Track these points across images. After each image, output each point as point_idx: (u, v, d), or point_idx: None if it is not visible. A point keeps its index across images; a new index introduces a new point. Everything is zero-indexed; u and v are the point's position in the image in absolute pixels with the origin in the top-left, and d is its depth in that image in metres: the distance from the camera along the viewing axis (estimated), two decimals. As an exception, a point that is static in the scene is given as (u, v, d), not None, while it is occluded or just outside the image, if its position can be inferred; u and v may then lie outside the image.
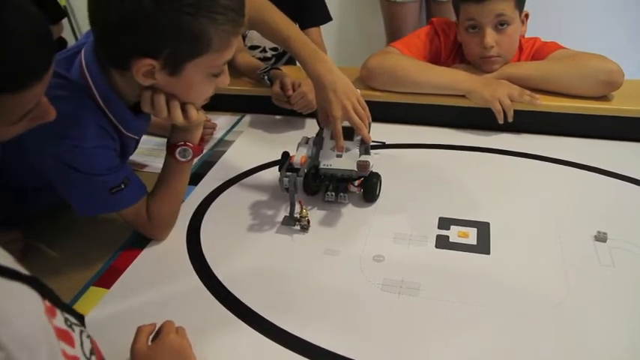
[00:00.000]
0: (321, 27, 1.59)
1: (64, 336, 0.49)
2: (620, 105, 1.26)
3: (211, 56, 0.81)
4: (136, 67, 0.79)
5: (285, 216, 1.02)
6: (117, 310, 0.85)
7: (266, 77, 1.36)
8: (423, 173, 1.16)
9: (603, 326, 0.78)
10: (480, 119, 1.29)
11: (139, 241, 0.99)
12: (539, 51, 1.36)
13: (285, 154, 1.03)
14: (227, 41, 0.81)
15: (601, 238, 0.95)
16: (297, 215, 1.00)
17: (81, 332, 0.53)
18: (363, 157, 0.98)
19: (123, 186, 0.91)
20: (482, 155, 1.23)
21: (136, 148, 1.01)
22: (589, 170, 1.15)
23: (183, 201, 1.04)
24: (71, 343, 0.50)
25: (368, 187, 1.05)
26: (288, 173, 0.97)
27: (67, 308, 0.54)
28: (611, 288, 0.85)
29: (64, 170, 0.86)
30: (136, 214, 0.95)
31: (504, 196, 1.08)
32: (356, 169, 0.98)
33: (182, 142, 0.94)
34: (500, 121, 1.25)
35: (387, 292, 0.85)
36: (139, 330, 0.74)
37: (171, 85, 0.84)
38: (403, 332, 0.79)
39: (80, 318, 0.57)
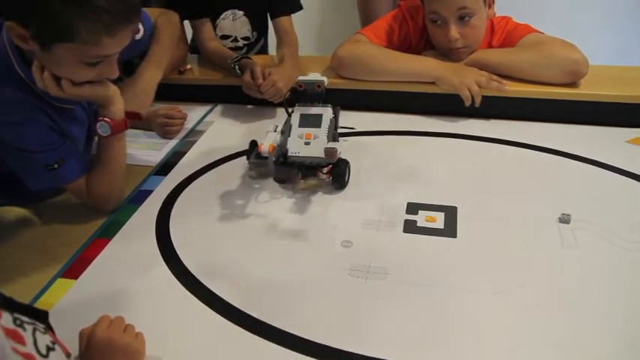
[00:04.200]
0: (301, 17, 1.58)
1: (13, 335, 0.49)
2: (585, 90, 1.28)
3: (80, 47, 0.83)
4: (9, 27, 0.82)
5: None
6: (84, 301, 0.84)
7: (236, 66, 1.36)
8: (392, 159, 1.17)
9: (566, 306, 0.80)
10: (448, 105, 1.31)
11: (108, 231, 0.99)
12: (511, 34, 1.37)
13: (253, 143, 1.03)
14: (97, 38, 0.83)
15: (565, 219, 0.97)
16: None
17: (34, 330, 0.53)
18: (331, 144, 0.98)
19: (56, 165, 0.96)
20: (451, 141, 1.24)
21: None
22: (555, 154, 1.17)
23: (152, 191, 1.05)
24: (21, 341, 0.50)
25: (336, 174, 1.06)
26: (256, 161, 0.98)
27: (19, 307, 0.54)
28: (575, 269, 0.87)
29: (3, 147, 0.93)
30: (77, 189, 1.02)
31: (472, 181, 1.09)
32: (324, 156, 0.98)
33: (101, 117, 0.98)
34: (468, 105, 1.27)
35: (355, 277, 0.86)
36: (101, 319, 0.75)
37: (43, 57, 0.87)
38: (370, 316, 0.80)
39: (39, 314, 0.57)
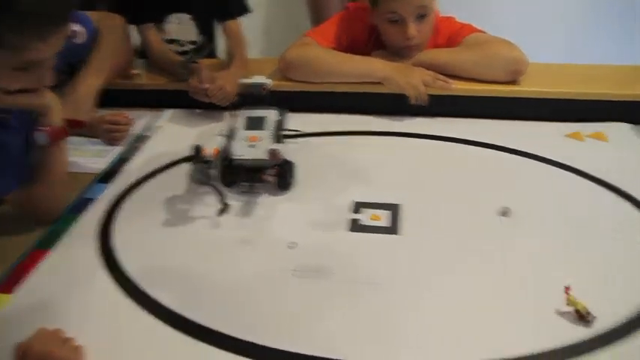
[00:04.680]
0: (248, 17, 1.58)
1: None
2: (527, 87, 1.31)
3: (9, 52, 0.81)
4: None
5: (219, 208, 1.00)
6: (21, 315, 0.81)
7: (184, 71, 1.34)
8: (339, 159, 1.18)
9: (506, 298, 0.82)
10: (395, 105, 1.32)
11: (47, 242, 0.96)
12: (456, 34, 1.40)
13: (197, 148, 1.02)
14: (26, 43, 0.81)
15: (505, 212, 0.99)
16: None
17: None
18: (274, 146, 0.98)
19: None
20: (397, 140, 1.26)
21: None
22: (496, 149, 1.20)
23: (93, 199, 1.03)
24: None
25: (281, 176, 1.06)
26: (201, 166, 0.97)
27: None
28: (514, 260, 0.89)
29: None
30: (15, 201, 1.00)
31: (416, 178, 1.11)
32: (268, 158, 0.98)
33: (39, 127, 0.95)
34: (414, 104, 1.29)
35: (300, 277, 0.86)
36: (38, 332, 0.72)
37: None
38: (316, 316, 0.79)
39: None
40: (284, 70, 1.38)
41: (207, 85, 1.28)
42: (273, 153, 0.96)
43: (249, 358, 0.73)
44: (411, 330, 0.77)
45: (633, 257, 0.89)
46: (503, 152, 1.19)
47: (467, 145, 1.22)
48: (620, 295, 0.81)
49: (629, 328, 0.75)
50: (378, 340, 0.75)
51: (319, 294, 0.83)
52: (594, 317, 0.75)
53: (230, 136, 1.05)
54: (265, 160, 0.99)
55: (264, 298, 0.83)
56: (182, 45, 1.58)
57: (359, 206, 1.02)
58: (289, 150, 1.13)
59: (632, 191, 1.04)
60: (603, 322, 0.76)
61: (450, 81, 1.31)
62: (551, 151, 1.18)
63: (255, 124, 1.06)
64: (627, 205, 1.02)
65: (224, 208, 0.97)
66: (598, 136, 1.27)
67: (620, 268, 0.86)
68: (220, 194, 0.97)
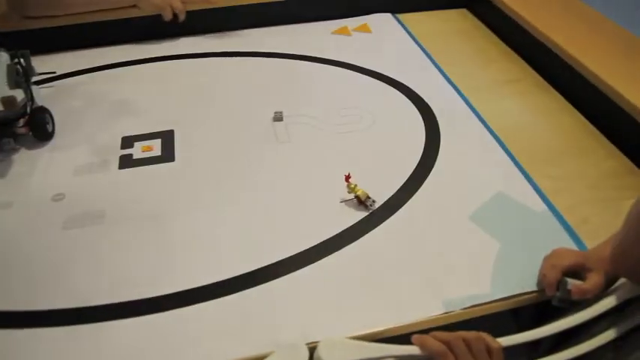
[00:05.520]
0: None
1: None
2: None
3: None
4: None
5: None
6: None
7: None
8: (102, 97, 1.08)
9: (293, 199, 0.83)
10: (152, 28, 1.24)
11: None
12: None
13: None
14: None
15: (278, 117, 1.00)
16: None
17: None
18: (10, 92, 0.86)
19: None
20: (161, 64, 1.19)
21: None
22: (265, 56, 1.19)
23: None
24: None
25: (35, 125, 0.94)
26: None
27: None
28: (289, 161, 0.91)
29: None
30: None
31: (187, 100, 1.07)
32: (3, 109, 0.86)
33: None
34: (169, 21, 1.21)
35: (70, 229, 0.79)
36: None
37: None
38: (92, 265, 0.74)
39: None
40: (18, 7, 1.20)
41: None
42: (8, 101, 0.84)
43: (42, 326, 0.66)
44: (197, 254, 0.75)
45: (400, 143, 0.95)
46: (270, 58, 1.19)
47: (234, 58, 1.20)
48: (388, 179, 0.86)
49: (392, 206, 0.81)
50: (164, 272, 0.72)
51: (91, 241, 0.77)
52: (374, 201, 0.81)
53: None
54: (1, 110, 0.86)
55: (33, 259, 0.75)
56: None
57: (129, 141, 0.96)
58: (44, 96, 1.01)
59: (395, 76, 1.12)
60: (378, 204, 0.82)
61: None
62: (320, 49, 1.21)
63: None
64: (395, 92, 1.08)
65: None
66: (363, 29, 1.33)
67: (389, 154, 0.92)
68: None
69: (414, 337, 0.58)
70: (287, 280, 0.70)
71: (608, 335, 0.64)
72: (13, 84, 0.91)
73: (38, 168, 0.91)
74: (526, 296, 0.69)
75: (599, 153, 0.92)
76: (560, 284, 0.66)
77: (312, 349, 0.58)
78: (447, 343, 0.57)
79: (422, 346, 0.57)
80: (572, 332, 0.65)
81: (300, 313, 0.66)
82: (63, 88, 1.11)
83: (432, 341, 0.57)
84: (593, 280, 0.66)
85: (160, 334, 0.64)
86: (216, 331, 0.64)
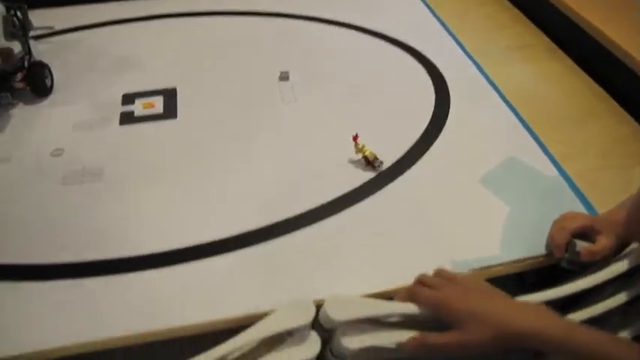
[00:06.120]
0: None
1: None
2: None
3: None
4: None
5: None
6: None
7: None
8: (103, 54, 1.05)
9: (301, 158, 0.81)
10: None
11: None
12: None
13: None
14: None
15: (284, 77, 0.98)
16: None
17: None
18: (6, 44, 0.83)
19: None
20: (161, 22, 1.16)
21: None
22: (271, 16, 1.16)
23: None
24: None
25: (33, 80, 0.92)
26: None
27: None
28: (295, 121, 0.89)
29: None
30: None
31: (189, 58, 1.04)
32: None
33: None
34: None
35: (69, 184, 0.77)
36: None
37: None
38: (89, 221, 0.72)
39: None
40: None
41: None
42: (4, 53, 0.82)
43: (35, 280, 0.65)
44: (206, 210, 0.73)
45: (409, 105, 0.93)
46: (284, 18, 1.16)
47: (243, 17, 1.17)
48: (397, 141, 0.84)
49: (401, 167, 0.80)
50: (169, 227, 0.70)
51: (90, 197, 0.75)
52: (381, 162, 0.79)
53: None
54: (-1, 63, 0.84)
55: (35, 213, 0.73)
56: None
57: (130, 97, 0.93)
58: (43, 51, 0.99)
59: (404, 39, 1.09)
60: (386, 165, 0.80)
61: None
62: (328, 10, 1.18)
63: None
64: (404, 54, 1.05)
65: None
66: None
67: (398, 116, 0.90)
68: None
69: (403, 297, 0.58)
70: (292, 239, 0.69)
71: (616, 300, 0.64)
72: (9, 35, 0.88)
73: (37, 123, 0.89)
74: (534, 260, 0.67)
75: (611, 119, 0.90)
76: (569, 246, 0.65)
77: (319, 307, 0.56)
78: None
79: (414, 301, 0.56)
80: (579, 297, 0.64)
81: (307, 271, 0.65)
82: (62, 43, 1.08)
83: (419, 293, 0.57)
84: (603, 243, 0.65)
85: (157, 289, 0.63)
86: (219, 288, 0.63)
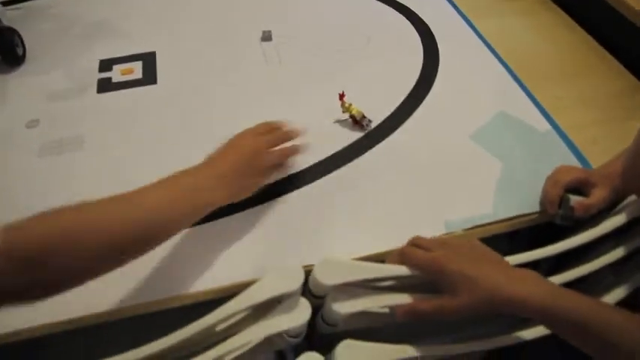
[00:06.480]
0: None
1: None
2: None
3: None
4: None
5: None
6: None
7: None
8: (76, 19, 1.00)
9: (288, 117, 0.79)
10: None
11: None
12: None
13: None
14: None
15: (266, 37, 0.94)
16: None
17: None
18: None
19: None
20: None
21: None
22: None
23: None
24: None
25: (4, 47, 0.87)
26: None
27: None
28: (279, 81, 0.85)
29: None
30: None
31: (169, 21, 0.99)
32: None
33: None
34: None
35: (47, 155, 0.74)
36: None
37: None
38: (69, 192, 0.69)
39: None
40: None
41: None
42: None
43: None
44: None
45: (397, 62, 0.90)
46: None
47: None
48: (385, 99, 0.82)
49: (390, 127, 0.77)
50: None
51: (70, 168, 0.72)
52: (370, 121, 0.76)
53: None
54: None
55: (9, 189, 0.70)
56: None
57: (107, 64, 0.89)
58: (13, 18, 0.95)
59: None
60: (375, 124, 0.77)
61: None
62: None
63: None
64: (389, 9, 1.02)
65: None
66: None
67: (385, 74, 0.87)
68: None
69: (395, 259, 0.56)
70: (279, 203, 0.67)
71: (611, 257, 0.62)
72: (-23, 2, 0.84)
73: (9, 93, 0.85)
74: (528, 217, 0.66)
75: (606, 72, 0.88)
76: (563, 201, 0.63)
77: (309, 273, 0.55)
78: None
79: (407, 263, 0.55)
80: (573, 254, 0.63)
81: (294, 236, 0.63)
82: (32, 10, 1.03)
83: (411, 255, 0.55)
84: (597, 195, 0.63)
85: (141, 261, 0.60)
86: (205, 256, 0.61)
